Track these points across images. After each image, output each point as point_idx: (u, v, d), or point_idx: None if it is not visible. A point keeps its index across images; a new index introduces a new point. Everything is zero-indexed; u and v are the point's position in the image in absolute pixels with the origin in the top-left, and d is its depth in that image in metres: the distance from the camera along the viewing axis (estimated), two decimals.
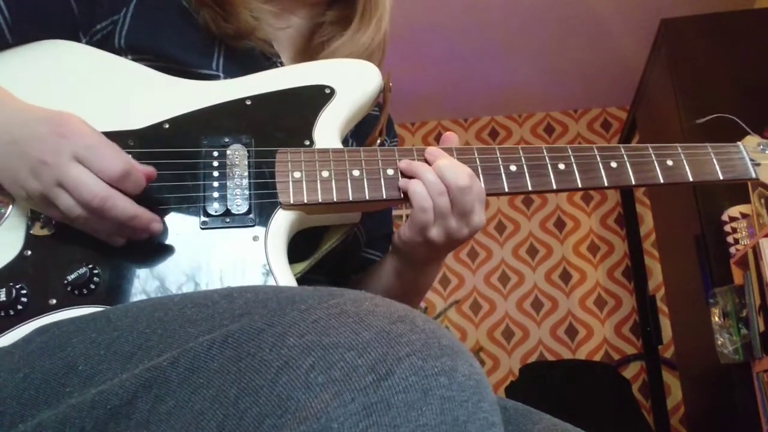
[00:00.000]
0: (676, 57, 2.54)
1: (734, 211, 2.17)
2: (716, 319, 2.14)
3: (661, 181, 0.79)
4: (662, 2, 2.82)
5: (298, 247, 0.75)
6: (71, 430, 0.48)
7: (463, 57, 3.38)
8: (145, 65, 0.77)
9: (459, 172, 0.72)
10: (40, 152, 0.62)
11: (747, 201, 2.13)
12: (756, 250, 1.92)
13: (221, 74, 0.80)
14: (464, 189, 0.72)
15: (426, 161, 0.75)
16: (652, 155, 0.80)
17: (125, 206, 0.63)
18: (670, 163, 0.81)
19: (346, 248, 0.85)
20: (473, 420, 0.41)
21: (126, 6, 0.78)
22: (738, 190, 2.15)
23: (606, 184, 0.78)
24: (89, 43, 0.77)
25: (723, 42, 2.48)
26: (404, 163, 0.75)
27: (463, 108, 3.90)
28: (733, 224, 2.16)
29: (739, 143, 0.85)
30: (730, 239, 2.18)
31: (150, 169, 0.67)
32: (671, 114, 2.50)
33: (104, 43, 0.77)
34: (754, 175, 0.82)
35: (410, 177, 0.74)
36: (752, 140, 0.86)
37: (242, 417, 0.42)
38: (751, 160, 0.83)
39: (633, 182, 0.79)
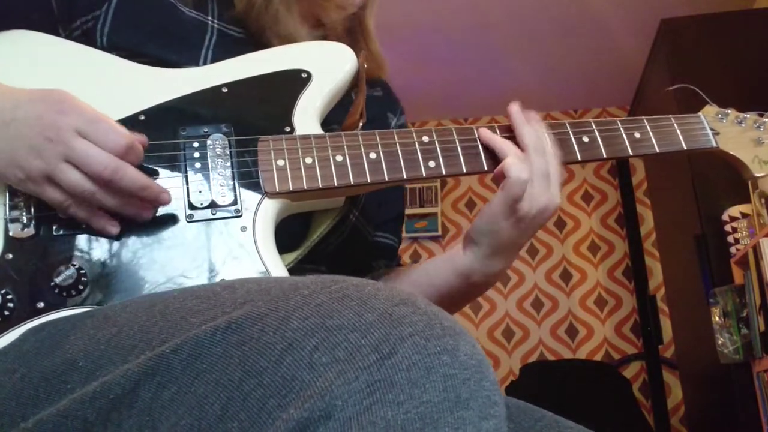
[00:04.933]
0: (676, 57, 2.54)
1: (734, 210, 2.17)
2: (716, 318, 2.14)
3: (630, 153, 0.81)
4: (662, 2, 2.82)
5: (288, 237, 0.74)
6: (74, 423, 0.48)
7: (463, 57, 3.38)
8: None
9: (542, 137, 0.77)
10: (40, 130, 0.60)
11: (747, 201, 2.13)
12: (756, 250, 1.92)
13: None
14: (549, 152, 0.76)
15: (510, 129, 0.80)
16: (621, 128, 0.82)
17: (135, 176, 0.62)
18: (638, 135, 0.82)
19: (347, 242, 0.84)
20: (475, 397, 0.42)
21: (108, 1, 0.76)
22: (738, 189, 2.15)
23: (579, 159, 0.79)
24: (68, 38, 0.75)
25: (723, 42, 2.48)
26: (486, 136, 0.78)
27: (463, 108, 3.90)
28: (734, 224, 2.16)
29: (699, 113, 0.87)
30: (730, 239, 2.18)
31: (143, 137, 0.66)
32: (671, 113, 2.50)
33: (84, 40, 0.75)
34: (715, 144, 0.84)
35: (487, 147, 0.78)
36: (711, 110, 0.87)
37: (246, 398, 0.43)
38: (711, 129, 0.85)
39: (604, 155, 0.80)
